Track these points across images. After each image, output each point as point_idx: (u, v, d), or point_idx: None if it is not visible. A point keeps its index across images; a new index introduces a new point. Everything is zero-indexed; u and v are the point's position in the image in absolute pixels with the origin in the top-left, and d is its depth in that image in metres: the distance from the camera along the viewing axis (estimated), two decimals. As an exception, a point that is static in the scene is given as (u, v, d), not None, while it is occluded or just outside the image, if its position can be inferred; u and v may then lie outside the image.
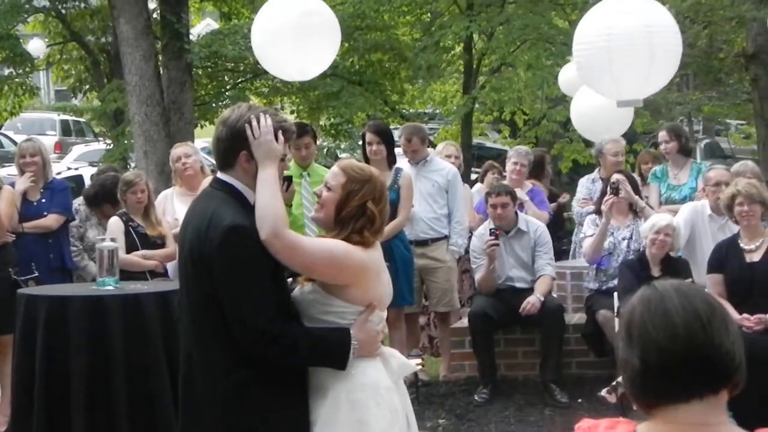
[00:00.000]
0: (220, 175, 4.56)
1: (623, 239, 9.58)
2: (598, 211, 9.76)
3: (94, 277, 9.05)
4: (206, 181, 9.15)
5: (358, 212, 4.52)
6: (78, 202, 9.93)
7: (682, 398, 2.40)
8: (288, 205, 8.20)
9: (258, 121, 4.44)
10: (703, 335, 2.38)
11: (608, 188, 9.61)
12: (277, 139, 4.45)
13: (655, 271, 8.99)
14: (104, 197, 9.67)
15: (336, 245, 4.47)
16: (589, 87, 6.97)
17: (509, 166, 11.57)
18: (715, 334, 2.39)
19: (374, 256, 4.58)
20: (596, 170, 11.46)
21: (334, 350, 4.41)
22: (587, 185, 11.26)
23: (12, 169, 9.79)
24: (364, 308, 4.50)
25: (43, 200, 9.22)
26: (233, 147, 4.47)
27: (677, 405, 2.41)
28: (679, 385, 2.40)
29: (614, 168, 10.70)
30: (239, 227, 4.30)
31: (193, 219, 4.51)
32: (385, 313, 4.68)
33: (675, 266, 9.03)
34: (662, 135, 10.85)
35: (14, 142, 26.89)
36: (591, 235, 9.64)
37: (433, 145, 12.16)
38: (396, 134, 10.99)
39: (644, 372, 2.41)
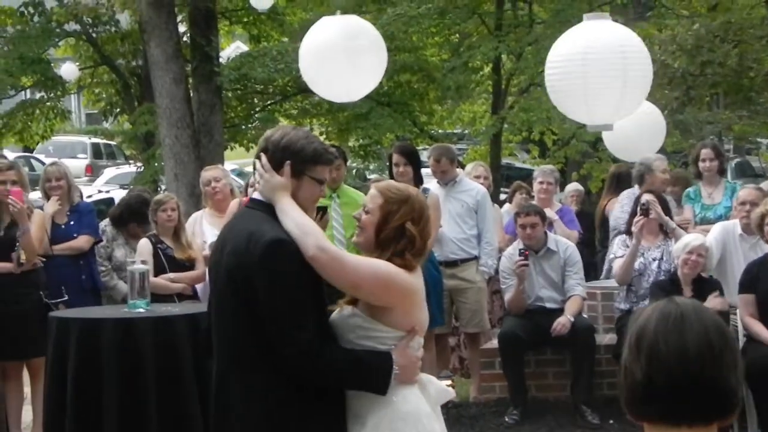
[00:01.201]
0: (259, 195, 4.52)
1: (654, 260, 9.53)
2: (628, 232, 9.73)
3: (123, 296, 9.12)
4: (234, 204, 9.22)
5: (397, 234, 4.46)
6: (104, 224, 9.98)
7: (672, 421, 2.38)
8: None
9: (255, 167, 4.48)
10: (712, 367, 2.35)
11: (638, 209, 9.57)
12: (281, 170, 4.41)
13: (687, 292, 8.94)
14: (130, 216, 9.71)
15: (382, 264, 4.40)
16: (561, 110, 7.00)
17: (536, 185, 11.56)
18: (724, 368, 2.36)
19: (419, 280, 4.52)
20: (635, 186, 11.25)
21: (376, 374, 4.34)
22: (631, 197, 10.96)
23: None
24: (404, 334, 4.43)
25: (72, 222, 9.27)
26: (276, 162, 4.43)
27: (667, 427, 2.39)
28: (673, 408, 2.37)
29: (663, 185, 10.69)
30: (281, 241, 4.26)
31: (230, 239, 4.45)
32: (423, 339, 4.61)
33: (707, 287, 8.99)
34: (707, 152, 10.64)
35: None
36: (621, 256, 9.60)
37: (462, 166, 12.14)
38: (424, 155, 10.99)
39: (644, 387, 2.39)
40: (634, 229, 9.43)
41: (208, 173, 9.91)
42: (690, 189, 10.82)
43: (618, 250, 9.73)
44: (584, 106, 6.50)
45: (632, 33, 6.83)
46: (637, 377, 2.39)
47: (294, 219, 4.33)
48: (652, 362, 2.38)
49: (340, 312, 4.48)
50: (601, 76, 6.33)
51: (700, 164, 10.67)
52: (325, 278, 4.35)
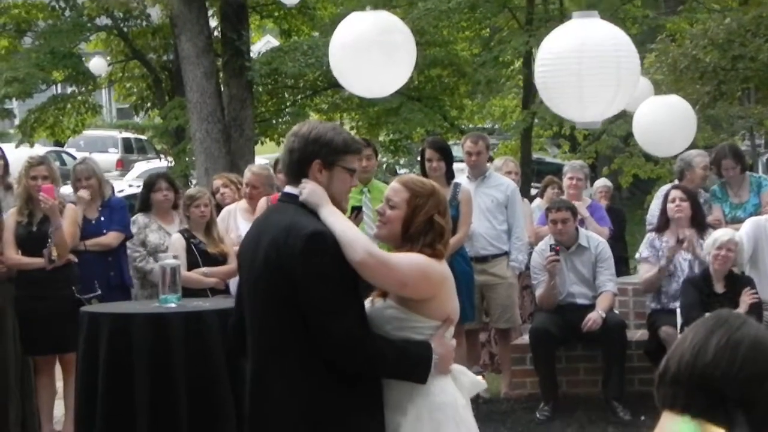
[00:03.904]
0: (290, 189, 4.54)
1: (684, 260, 9.45)
2: (658, 229, 9.67)
3: None
4: (263, 201, 9.21)
5: (426, 227, 4.50)
6: (135, 217, 9.93)
7: (677, 409, 2.39)
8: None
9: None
10: (722, 371, 2.35)
11: (666, 204, 9.56)
12: (311, 165, 4.44)
13: (719, 288, 8.91)
14: (148, 192, 9.70)
15: (420, 258, 4.43)
16: (551, 107, 7.03)
17: (565, 181, 11.54)
18: (743, 377, 2.35)
19: (447, 268, 4.57)
20: (675, 182, 11.17)
21: (417, 363, 4.38)
22: None
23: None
24: (439, 323, 4.47)
25: (102, 218, 9.25)
26: (307, 156, 4.46)
27: (672, 413, 2.40)
28: (676, 395, 2.39)
29: (703, 181, 10.64)
30: (322, 233, 4.28)
31: (267, 231, 4.46)
32: (453, 329, 4.64)
33: (739, 283, 8.94)
34: (728, 163, 10.49)
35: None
36: (646, 258, 9.56)
37: (491, 160, 12.12)
38: (455, 150, 10.95)
39: (662, 374, 2.43)
40: (662, 263, 9.34)
41: (253, 177, 9.80)
42: (715, 188, 10.73)
43: (644, 250, 9.68)
44: (578, 104, 6.55)
45: (622, 31, 6.87)
46: (662, 363, 2.45)
47: (340, 225, 4.36)
48: (676, 349, 2.43)
49: (373, 305, 4.50)
50: (597, 74, 6.40)
51: (724, 172, 10.59)
52: (372, 281, 4.40)
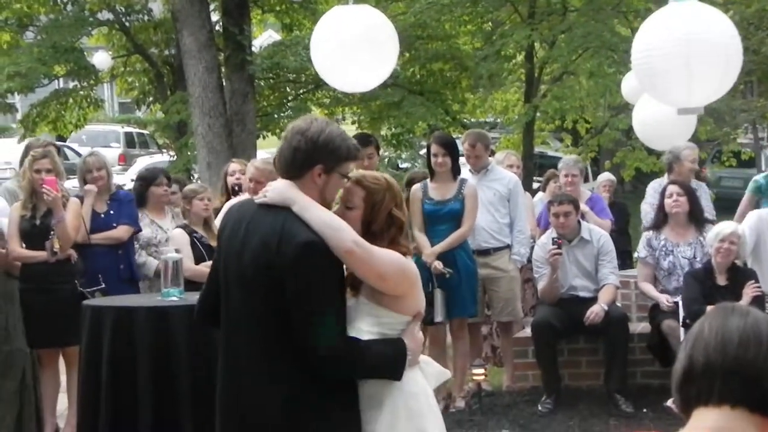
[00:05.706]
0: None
1: (684, 258, 9.43)
2: (656, 226, 9.66)
3: (156, 271, 9.16)
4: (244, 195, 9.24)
5: (387, 222, 4.53)
6: None
7: (710, 401, 2.37)
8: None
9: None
10: (756, 355, 2.34)
11: (663, 200, 9.56)
12: (313, 169, 4.41)
13: (721, 280, 8.91)
14: (145, 186, 9.75)
15: (396, 254, 4.47)
16: (652, 92, 6.94)
17: (561, 178, 11.53)
18: None
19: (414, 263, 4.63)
20: (665, 176, 11.18)
21: (394, 362, 4.42)
22: (658, 189, 10.88)
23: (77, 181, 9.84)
24: (410, 318, 4.51)
25: (111, 212, 9.27)
26: (311, 159, 4.42)
27: (708, 408, 2.38)
28: (711, 387, 2.36)
29: (691, 175, 10.62)
30: (315, 243, 4.27)
31: (255, 230, 4.42)
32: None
33: (742, 275, 8.94)
34: None
35: (79, 155, 27.12)
36: (644, 258, 9.56)
37: (493, 153, 12.11)
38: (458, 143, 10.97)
39: (686, 367, 2.40)
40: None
41: (256, 172, 9.86)
42: (761, 179, 10.57)
43: (642, 249, 9.67)
44: (685, 90, 6.49)
45: (724, 15, 6.82)
46: (682, 362, 2.42)
47: (320, 216, 4.34)
48: (696, 343, 2.40)
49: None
50: (706, 60, 6.35)
51: None
52: (355, 271, 4.39)
